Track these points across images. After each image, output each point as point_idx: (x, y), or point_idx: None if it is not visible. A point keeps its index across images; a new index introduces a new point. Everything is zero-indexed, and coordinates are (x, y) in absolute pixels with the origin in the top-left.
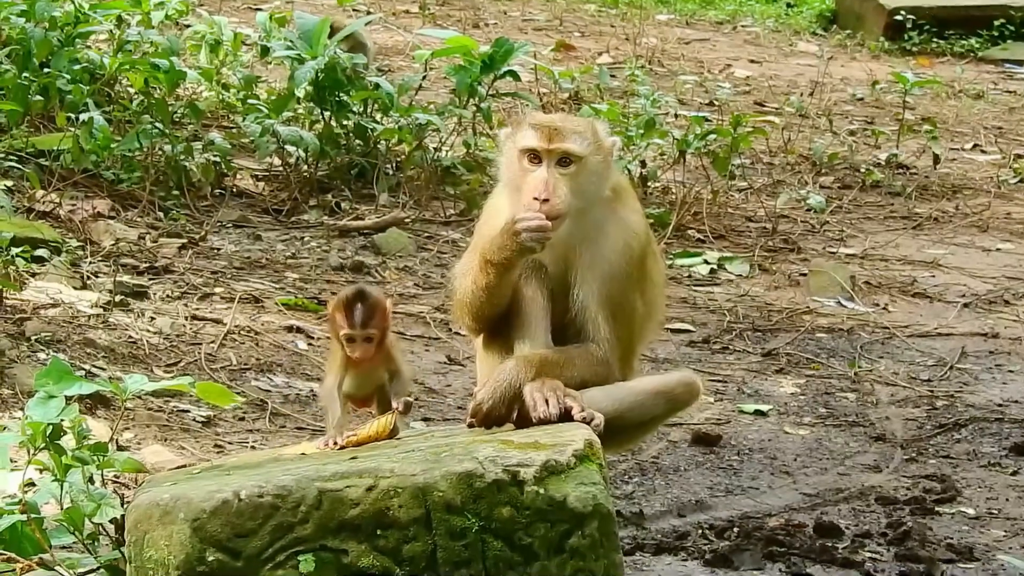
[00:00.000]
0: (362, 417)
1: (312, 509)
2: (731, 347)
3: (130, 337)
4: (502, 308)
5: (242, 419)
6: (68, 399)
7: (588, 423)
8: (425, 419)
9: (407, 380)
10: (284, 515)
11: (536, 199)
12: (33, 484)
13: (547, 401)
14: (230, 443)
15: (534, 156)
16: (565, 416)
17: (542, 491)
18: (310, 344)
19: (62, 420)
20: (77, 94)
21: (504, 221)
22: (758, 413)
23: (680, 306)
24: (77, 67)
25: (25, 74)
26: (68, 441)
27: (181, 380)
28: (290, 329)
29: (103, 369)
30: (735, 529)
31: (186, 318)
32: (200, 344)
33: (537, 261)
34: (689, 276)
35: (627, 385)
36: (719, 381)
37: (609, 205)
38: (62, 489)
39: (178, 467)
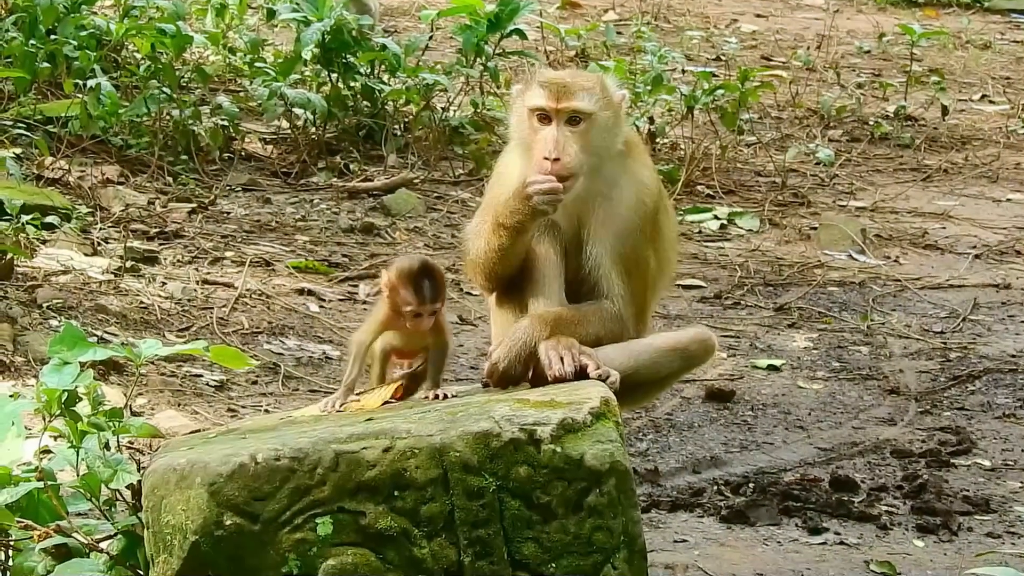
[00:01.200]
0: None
1: (329, 471)
2: (743, 302)
3: (142, 303)
4: (515, 268)
5: (255, 383)
6: (82, 365)
7: (604, 380)
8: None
9: (448, 353)
10: (301, 478)
11: (547, 159)
12: (49, 451)
13: (562, 359)
14: (243, 407)
15: (543, 115)
16: (581, 374)
17: (559, 449)
18: (321, 307)
19: (77, 386)
20: (84, 60)
21: (515, 180)
22: (771, 368)
23: (691, 262)
24: (84, 33)
25: (32, 41)
26: (83, 407)
27: (195, 344)
28: (301, 292)
29: (115, 335)
30: (750, 485)
31: (197, 282)
32: (212, 308)
33: (550, 219)
34: (699, 232)
35: (642, 342)
36: (731, 337)
37: (621, 160)
38: (78, 456)
39: (193, 432)
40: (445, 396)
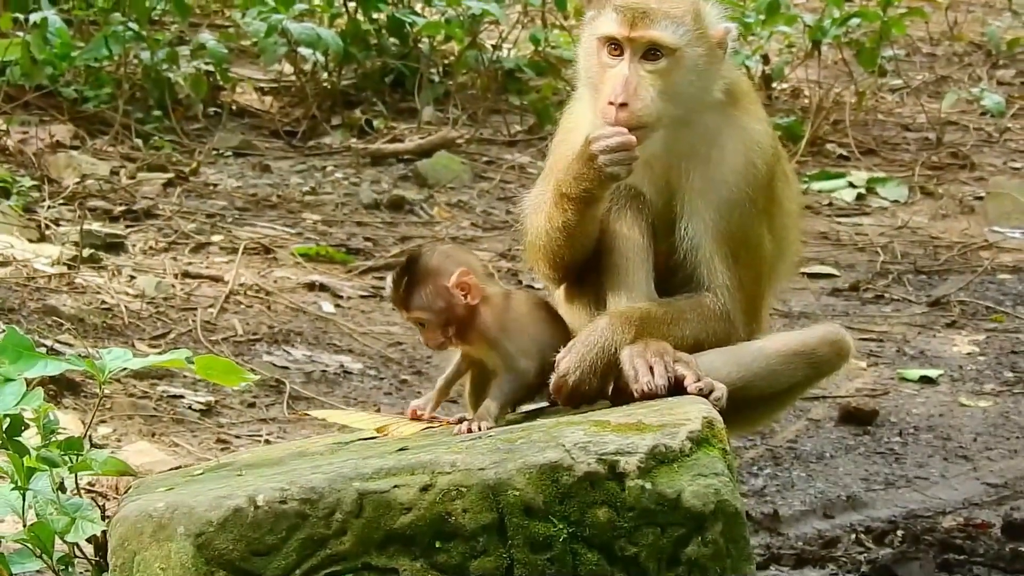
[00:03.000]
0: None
1: (350, 517)
2: (887, 295)
3: (103, 302)
4: (587, 251)
5: (252, 405)
6: (29, 383)
7: (706, 396)
8: None
9: (508, 380)
10: (315, 526)
11: (611, 103)
12: None
13: (652, 369)
14: (237, 437)
15: (615, 46)
16: (676, 388)
17: (649, 486)
18: (337, 306)
19: (22, 410)
20: None
21: (585, 136)
22: (925, 380)
23: (819, 243)
24: None
25: None
26: (31, 437)
27: (174, 355)
28: (311, 287)
29: (69, 345)
30: (899, 532)
31: (175, 276)
32: (195, 309)
33: (632, 188)
34: (830, 204)
35: (754, 345)
36: (873, 340)
37: (723, 112)
38: (24, 500)
39: (173, 468)
40: (469, 430)
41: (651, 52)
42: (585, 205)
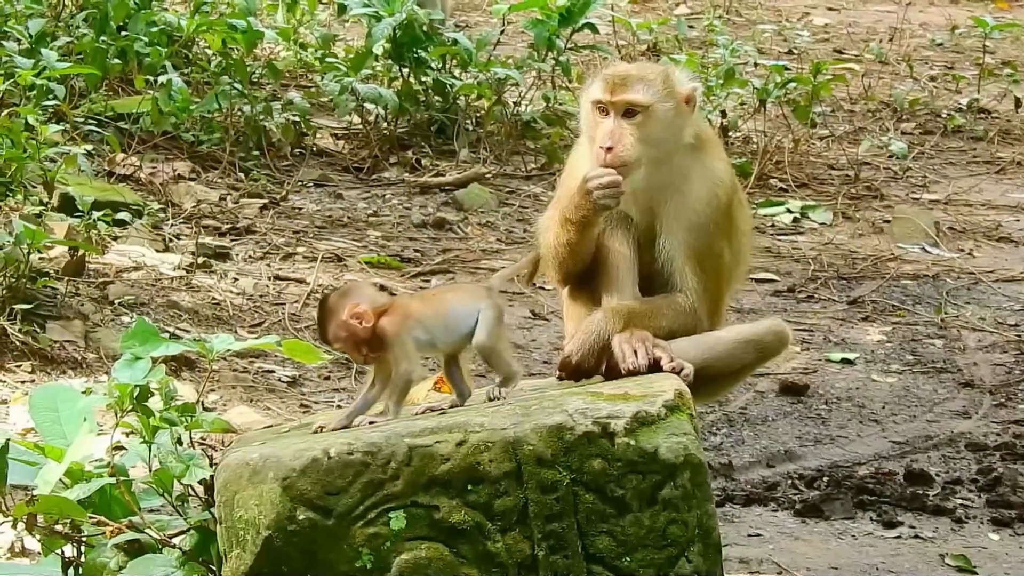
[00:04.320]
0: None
1: (402, 465)
2: (816, 296)
3: (213, 298)
4: (586, 262)
5: (327, 378)
6: (154, 361)
7: (678, 373)
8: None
9: (398, 385)
10: (374, 472)
11: (601, 147)
12: (121, 447)
13: (636, 352)
14: (316, 402)
15: (603, 108)
16: (654, 367)
17: (633, 442)
18: None
19: (149, 381)
20: (155, 56)
21: (584, 173)
22: (845, 361)
23: (764, 256)
24: (154, 29)
25: (103, 38)
26: (155, 403)
27: (267, 339)
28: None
29: (187, 331)
30: (825, 479)
31: (269, 278)
32: (283, 304)
33: (623, 212)
34: (772, 225)
35: (715, 334)
36: (805, 330)
37: (693, 154)
38: (150, 451)
39: (266, 427)
40: (371, 422)
41: (629, 110)
42: (584, 227)
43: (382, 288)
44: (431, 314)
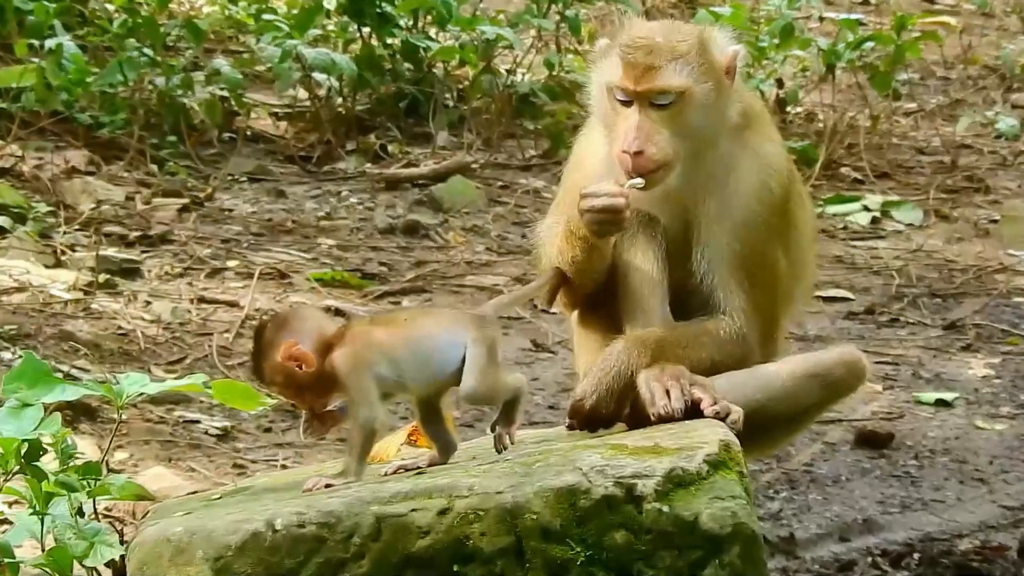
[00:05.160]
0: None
1: (368, 541)
2: (902, 318)
3: (119, 328)
4: (599, 283)
5: (268, 430)
6: (46, 408)
7: (723, 419)
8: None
9: (357, 438)
10: (333, 550)
11: (625, 152)
12: (5, 520)
13: (668, 392)
14: (253, 462)
15: (624, 96)
16: (692, 411)
17: (666, 509)
18: None
19: (40, 435)
20: (41, 14)
21: (597, 167)
22: (941, 403)
23: (834, 267)
24: None
25: None
26: (49, 462)
27: (191, 380)
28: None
29: (85, 370)
30: (916, 555)
31: (191, 301)
32: (211, 334)
33: (646, 215)
34: (844, 228)
35: (771, 368)
36: (888, 363)
37: (738, 135)
38: (43, 525)
39: (190, 493)
40: (327, 485)
41: (659, 97)
42: (591, 245)
43: (338, 313)
44: (399, 343)
